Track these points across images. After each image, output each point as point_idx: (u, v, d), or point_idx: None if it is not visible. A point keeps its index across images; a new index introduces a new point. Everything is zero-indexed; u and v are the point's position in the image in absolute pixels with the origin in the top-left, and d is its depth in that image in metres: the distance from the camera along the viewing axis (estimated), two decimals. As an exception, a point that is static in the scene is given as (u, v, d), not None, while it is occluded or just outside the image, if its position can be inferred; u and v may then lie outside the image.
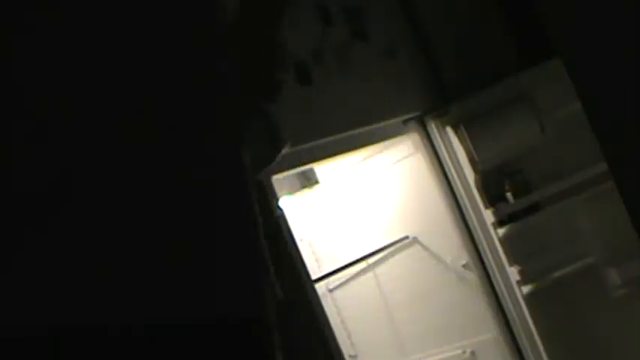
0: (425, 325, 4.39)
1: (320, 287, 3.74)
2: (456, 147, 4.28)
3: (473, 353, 4.30)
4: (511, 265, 4.29)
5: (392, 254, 4.43)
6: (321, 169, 4.16)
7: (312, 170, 4.16)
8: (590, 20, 2.14)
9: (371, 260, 4.33)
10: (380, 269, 4.46)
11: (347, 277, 4.32)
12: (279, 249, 3.56)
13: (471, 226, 4.28)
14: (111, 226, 0.96)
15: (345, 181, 4.47)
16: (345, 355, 3.66)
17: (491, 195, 4.34)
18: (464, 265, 4.28)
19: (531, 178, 4.35)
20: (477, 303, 4.24)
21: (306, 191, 4.27)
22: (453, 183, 4.32)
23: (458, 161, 4.29)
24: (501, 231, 4.30)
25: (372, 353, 4.46)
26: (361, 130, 3.94)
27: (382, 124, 4.09)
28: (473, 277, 4.27)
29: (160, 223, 0.98)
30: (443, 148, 4.31)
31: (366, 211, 4.44)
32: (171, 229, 0.98)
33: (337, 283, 4.30)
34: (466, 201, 4.30)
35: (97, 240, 0.95)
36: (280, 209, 3.63)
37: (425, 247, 4.37)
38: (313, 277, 3.65)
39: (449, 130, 4.28)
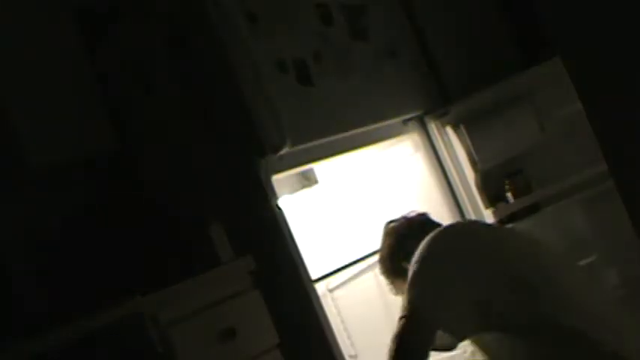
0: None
1: (320, 287, 3.73)
2: (456, 147, 4.28)
3: (473, 353, 4.29)
4: (511, 265, 4.28)
5: (392, 254, 4.41)
6: (321, 169, 4.15)
7: (312, 170, 4.15)
8: (590, 20, 2.14)
9: (371, 260, 4.32)
10: (380, 269, 4.44)
11: (347, 277, 4.30)
12: (278, 249, 3.55)
13: (471, 226, 4.28)
14: None
15: (345, 180, 4.47)
16: (345, 355, 3.66)
17: (491, 195, 4.34)
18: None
19: (531, 178, 4.35)
20: (477, 303, 4.23)
21: (306, 191, 4.26)
22: (453, 183, 4.32)
23: (458, 161, 4.29)
24: (501, 231, 4.30)
25: (373, 353, 4.46)
26: (361, 130, 3.94)
27: (382, 124, 4.09)
28: (473, 277, 4.26)
29: None
30: (443, 148, 4.30)
31: (366, 211, 4.44)
32: None
33: (337, 283, 4.29)
34: (466, 201, 4.29)
35: None
36: (280, 209, 3.63)
37: (425, 247, 4.34)
38: (313, 277, 3.64)
39: (449, 130, 4.28)
